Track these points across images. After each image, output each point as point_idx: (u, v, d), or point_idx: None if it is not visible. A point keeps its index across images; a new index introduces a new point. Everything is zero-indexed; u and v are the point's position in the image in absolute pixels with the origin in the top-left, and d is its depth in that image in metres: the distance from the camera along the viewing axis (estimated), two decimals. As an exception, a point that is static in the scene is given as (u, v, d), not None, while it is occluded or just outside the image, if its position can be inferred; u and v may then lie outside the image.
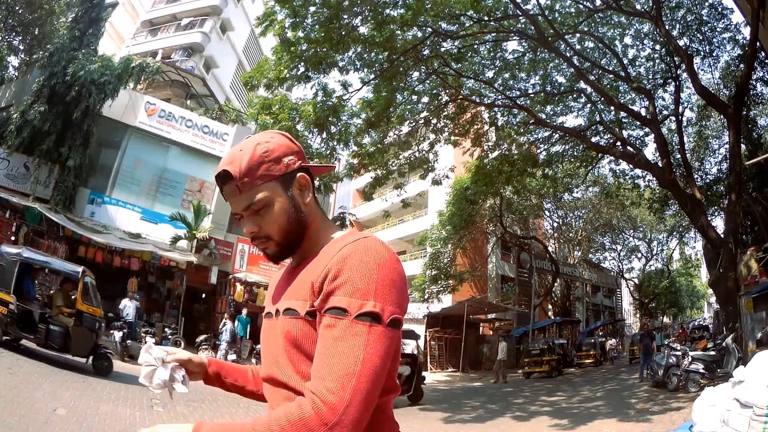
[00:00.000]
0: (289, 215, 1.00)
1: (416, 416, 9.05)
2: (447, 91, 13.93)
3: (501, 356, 15.91)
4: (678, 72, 13.70)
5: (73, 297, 8.58)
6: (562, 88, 14.67)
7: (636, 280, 38.50)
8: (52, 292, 9.64)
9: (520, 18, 11.83)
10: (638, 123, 14.72)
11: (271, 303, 1.06)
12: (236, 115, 18.99)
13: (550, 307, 28.95)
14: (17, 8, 21.03)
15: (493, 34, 12.57)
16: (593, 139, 14.96)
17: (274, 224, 0.99)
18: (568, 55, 12.47)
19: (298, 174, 1.01)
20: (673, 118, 14.47)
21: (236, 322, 14.01)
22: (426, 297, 22.56)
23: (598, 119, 14.76)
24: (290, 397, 0.92)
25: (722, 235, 12.07)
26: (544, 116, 14.87)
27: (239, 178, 0.97)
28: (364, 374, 0.78)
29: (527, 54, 13.64)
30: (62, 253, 13.43)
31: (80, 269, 8.71)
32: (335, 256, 0.88)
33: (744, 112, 13.47)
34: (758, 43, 10.37)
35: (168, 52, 25.40)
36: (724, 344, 10.10)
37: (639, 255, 36.99)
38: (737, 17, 26.72)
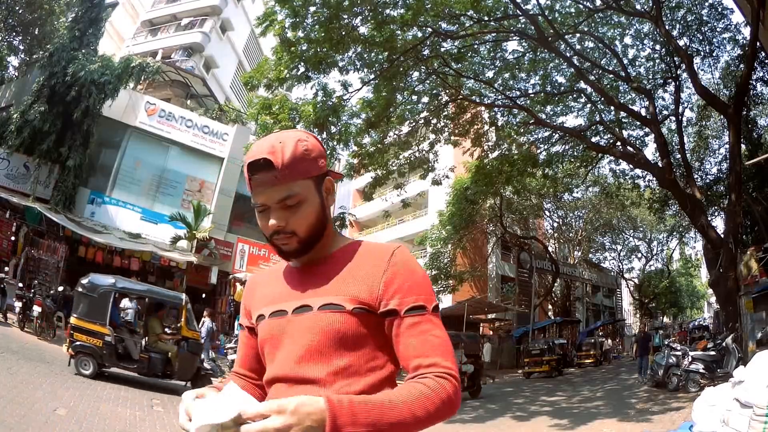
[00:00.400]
0: (318, 215, 1.04)
1: (416, 416, 9.03)
2: (447, 91, 13.92)
3: (484, 359, 15.60)
4: (678, 72, 13.69)
5: (179, 324, 8.76)
6: (562, 88, 14.66)
7: (636, 280, 38.49)
8: (145, 319, 9.72)
9: (520, 18, 11.83)
10: (638, 123, 14.71)
11: (280, 301, 1.05)
12: (236, 115, 19.00)
13: (550, 307, 28.93)
14: (17, 8, 21.04)
15: (493, 34, 12.56)
16: (593, 139, 14.95)
17: (303, 221, 1.02)
18: (568, 55, 12.47)
19: (327, 177, 1.06)
20: (673, 118, 14.47)
21: (236, 323, 14.01)
22: (426, 297, 22.53)
23: (598, 119, 14.75)
24: (316, 393, 0.91)
25: (722, 235, 12.07)
26: (544, 116, 14.86)
27: (281, 168, 0.98)
28: (452, 350, 0.99)
29: (527, 54, 13.63)
30: (62, 253, 13.44)
31: (183, 297, 8.86)
32: (391, 262, 1.00)
33: (744, 112, 13.46)
34: (758, 43, 10.37)
35: (168, 52, 25.41)
36: (724, 344, 10.10)
37: (639, 255, 37.01)
38: (737, 17, 26.69)
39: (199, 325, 12.80)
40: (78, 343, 7.63)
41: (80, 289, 8.07)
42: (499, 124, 15.36)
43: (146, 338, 8.54)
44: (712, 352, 10.15)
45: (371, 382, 0.96)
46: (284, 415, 0.78)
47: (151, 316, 9.19)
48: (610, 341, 23.48)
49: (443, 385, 0.91)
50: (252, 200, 1.05)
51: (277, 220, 1.01)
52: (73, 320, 7.81)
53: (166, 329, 9.08)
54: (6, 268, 11.86)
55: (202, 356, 10.51)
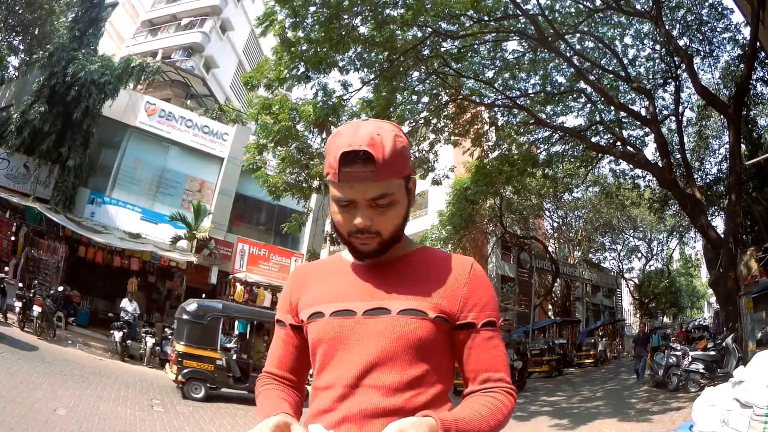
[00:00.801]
0: (405, 216, 0.99)
1: (416, 416, 9.04)
2: (447, 91, 13.91)
3: None
4: (678, 72, 13.68)
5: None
6: (562, 88, 14.65)
7: (636, 280, 38.48)
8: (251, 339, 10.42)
9: (520, 18, 11.82)
10: (638, 123, 14.70)
11: (346, 300, 0.99)
12: (236, 115, 18.99)
13: (550, 307, 28.93)
14: (17, 8, 21.03)
15: (493, 34, 12.55)
16: (593, 139, 14.94)
17: (391, 222, 0.97)
18: (568, 55, 12.46)
19: (411, 176, 1.00)
20: (673, 118, 14.46)
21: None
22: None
23: (598, 119, 14.74)
24: (384, 402, 0.90)
25: (722, 235, 12.06)
26: (544, 116, 14.85)
27: (381, 164, 0.90)
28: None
29: (527, 54, 13.62)
30: (62, 253, 13.44)
31: None
32: (471, 276, 1.00)
33: (744, 112, 13.45)
34: (758, 43, 10.37)
35: (168, 52, 25.41)
36: (724, 344, 10.10)
37: (639, 255, 36.98)
38: (737, 17, 26.66)
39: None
40: (188, 369, 7.92)
41: (185, 316, 8.31)
42: (499, 124, 15.35)
43: (251, 358, 9.10)
44: (712, 352, 10.15)
45: (436, 392, 0.95)
46: None
47: (256, 336, 9.85)
48: (604, 341, 23.43)
49: (509, 399, 0.97)
50: (336, 192, 0.96)
51: (364, 218, 0.94)
52: (180, 348, 8.08)
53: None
54: (6, 268, 11.84)
55: None
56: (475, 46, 12.90)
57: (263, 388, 1.07)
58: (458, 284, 0.98)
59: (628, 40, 14.45)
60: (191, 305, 8.55)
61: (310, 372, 1.09)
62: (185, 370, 7.88)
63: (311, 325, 1.01)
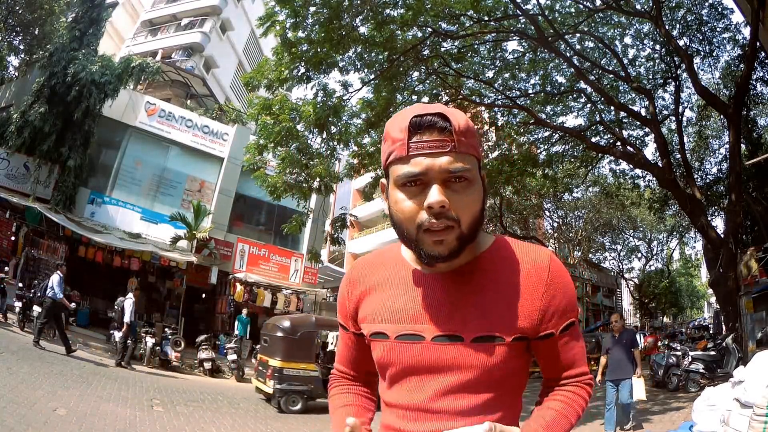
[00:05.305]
0: (482, 204, 0.86)
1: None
2: (447, 91, 13.91)
3: None
4: (678, 72, 13.69)
5: None
6: (562, 88, 14.66)
7: (636, 280, 38.50)
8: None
9: (520, 18, 11.83)
10: (638, 123, 14.71)
11: (412, 322, 0.91)
12: (236, 115, 19.00)
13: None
14: (17, 8, 21.03)
15: (493, 34, 12.55)
16: (593, 139, 14.94)
17: (469, 207, 0.83)
18: (568, 55, 12.46)
19: (482, 170, 0.90)
20: (673, 118, 14.47)
21: (236, 323, 14.03)
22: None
23: (598, 119, 14.75)
24: (461, 425, 0.88)
25: (722, 235, 12.06)
26: (544, 116, 14.85)
27: (458, 131, 0.80)
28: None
29: (527, 54, 13.63)
30: (62, 253, 13.44)
31: None
32: (549, 280, 0.92)
33: (744, 112, 13.47)
34: (758, 43, 10.37)
35: (168, 52, 25.42)
36: (724, 344, 10.11)
37: (639, 255, 37.03)
38: (737, 17, 26.76)
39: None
40: (284, 384, 8.05)
41: (280, 334, 8.39)
42: (499, 124, 15.35)
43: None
44: (712, 352, 10.17)
45: (513, 411, 0.95)
46: None
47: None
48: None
49: (588, 391, 0.99)
50: (402, 170, 0.81)
51: (440, 196, 0.79)
52: (277, 363, 8.19)
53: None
54: (6, 268, 11.85)
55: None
56: (475, 46, 12.90)
57: (332, 394, 1.09)
58: (535, 294, 0.89)
59: (628, 40, 14.47)
60: (283, 322, 8.63)
61: None
62: (281, 385, 8.04)
63: (375, 344, 0.97)
